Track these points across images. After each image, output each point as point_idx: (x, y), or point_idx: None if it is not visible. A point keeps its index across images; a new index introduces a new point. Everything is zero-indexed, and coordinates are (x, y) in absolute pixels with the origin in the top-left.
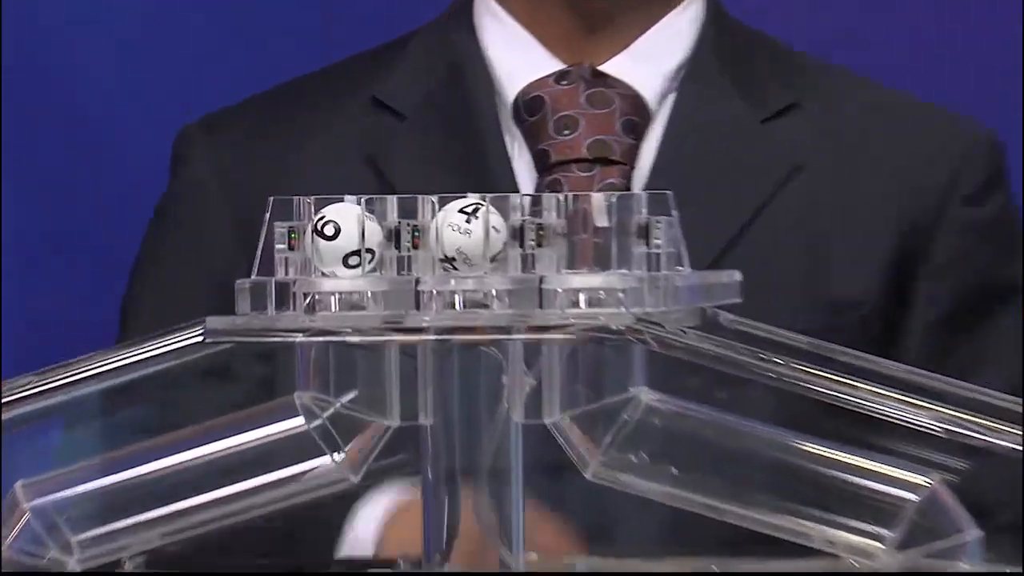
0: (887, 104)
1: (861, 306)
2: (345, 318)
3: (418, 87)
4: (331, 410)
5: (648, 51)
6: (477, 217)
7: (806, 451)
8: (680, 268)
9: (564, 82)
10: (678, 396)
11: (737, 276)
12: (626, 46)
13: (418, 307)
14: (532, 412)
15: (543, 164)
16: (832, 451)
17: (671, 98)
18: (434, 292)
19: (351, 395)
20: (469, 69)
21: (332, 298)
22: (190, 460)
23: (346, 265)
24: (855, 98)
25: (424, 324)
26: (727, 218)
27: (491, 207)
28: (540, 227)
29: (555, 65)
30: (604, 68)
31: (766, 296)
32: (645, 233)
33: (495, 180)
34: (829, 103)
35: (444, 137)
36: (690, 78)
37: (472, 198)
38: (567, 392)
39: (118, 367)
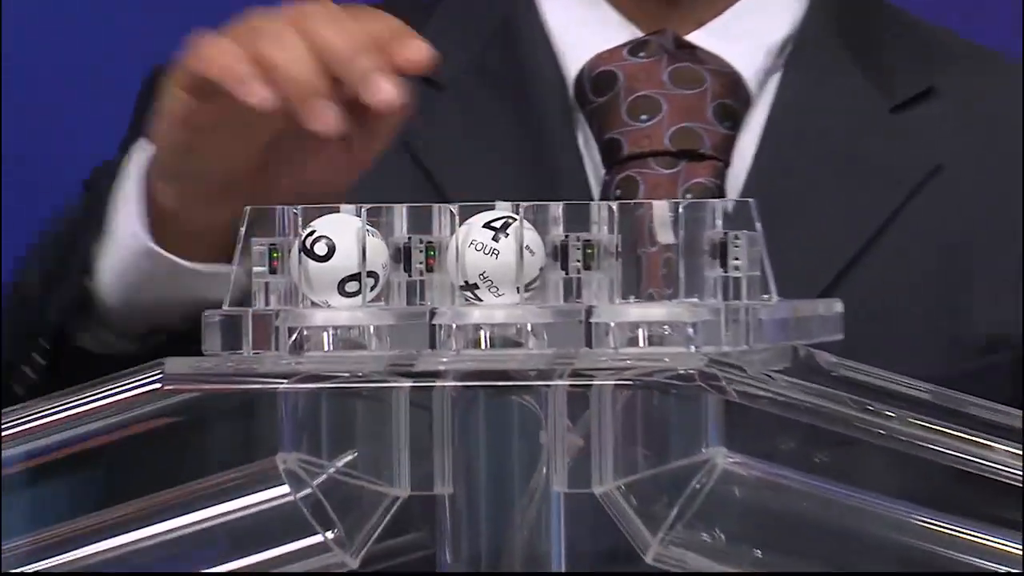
0: None
1: (1016, 346)
2: (341, 360)
3: (458, 52)
4: (323, 476)
5: (747, 19)
6: (507, 234)
7: (928, 529)
8: (766, 296)
9: (642, 54)
10: (763, 459)
11: (838, 307)
12: (719, 13)
13: (433, 346)
14: (578, 479)
15: (613, 157)
16: (961, 529)
17: (775, 79)
18: (453, 327)
19: (348, 457)
20: (525, 34)
21: (325, 334)
22: (147, 539)
23: (342, 292)
24: (1005, 83)
25: (441, 367)
26: (846, 233)
27: (525, 221)
28: (587, 245)
29: (630, 33)
30: (691, 38)
31: (894, 332)
32: (721, 252)
33: (560, 174)
34: (973, 88)
35: (495, 116)
36: (799, 54)
37: (501, 210)
38: (622, 454)
39: (57, 420)
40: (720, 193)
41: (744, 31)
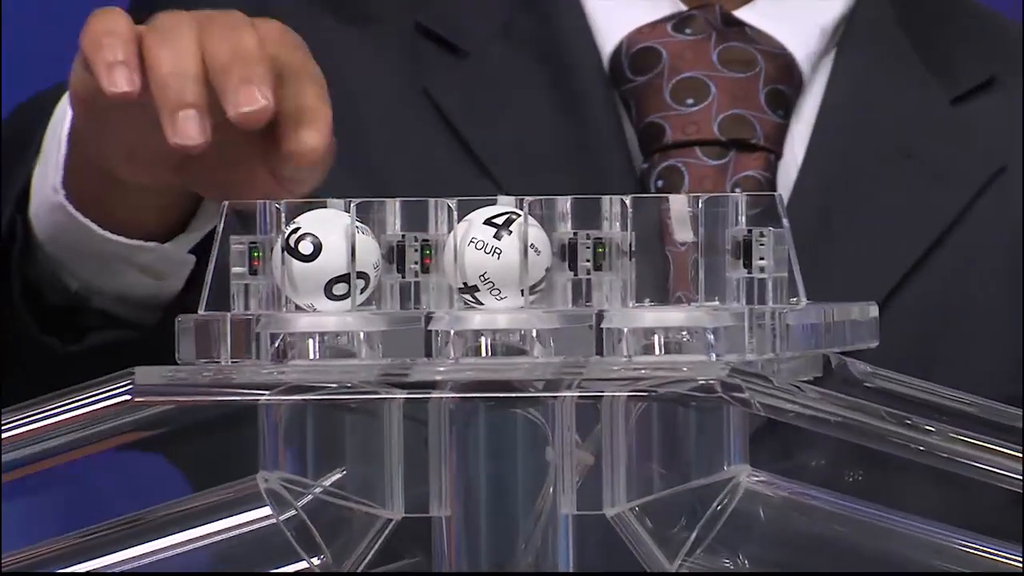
0: None
1: None
2: (328, 369)
3: (482, 16)
4: (309, 497)
5: None
6: (510, 231)
7: (973, 556)
8: (794, 299)
9: (688, 31)
10: (790, 477)
11: (874, 311)
12: None
13: (430, 354)
14: (588, 500)
15: (654, 143)
16: (1011, 556)
17: (827, 63)
18: (451, 333)
19: (336, 476)
20: (561, 3)
21: (310, 341)
22: (115, 565)
23: (330, 296)
24: None
25: (438, 377)
26: (905, 236)
27: (530, 218)
28: (598, 243)
29: (672, 5)
30: (739, 15)
31: (955, 346)
32: (745, 250)
33: (602, 161)
34: None
35: (526, 88)
36: (853, 36)
37: (504, 205)
38: (636, 472)
39: (13, 437)
40: (771, 188)
41: (796, 8)
